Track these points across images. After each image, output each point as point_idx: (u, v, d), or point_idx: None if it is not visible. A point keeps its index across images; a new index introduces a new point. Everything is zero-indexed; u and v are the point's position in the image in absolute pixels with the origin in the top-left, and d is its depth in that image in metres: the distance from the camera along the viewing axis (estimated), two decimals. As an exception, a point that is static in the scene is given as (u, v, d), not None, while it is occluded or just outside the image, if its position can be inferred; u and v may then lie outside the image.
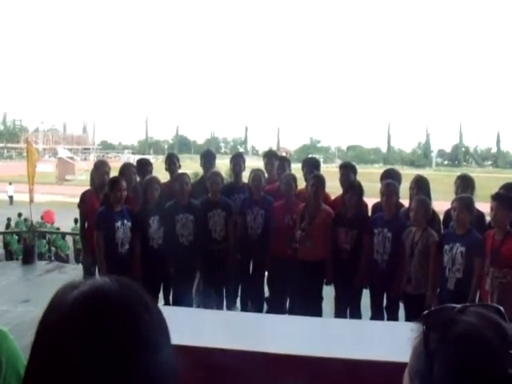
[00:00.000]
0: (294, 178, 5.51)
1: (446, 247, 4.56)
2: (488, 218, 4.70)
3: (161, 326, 0.78)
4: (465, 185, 5.13)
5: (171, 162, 6.17)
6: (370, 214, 5.43)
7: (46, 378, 0.70)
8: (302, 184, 5.68)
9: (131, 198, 5.46)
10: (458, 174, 5.56)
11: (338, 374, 2.97)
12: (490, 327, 0.72)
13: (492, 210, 4.40)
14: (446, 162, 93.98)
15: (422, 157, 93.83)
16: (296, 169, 6.09)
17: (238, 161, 6.04)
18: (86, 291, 0.74)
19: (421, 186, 5.16)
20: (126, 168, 5.93)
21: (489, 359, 0.69)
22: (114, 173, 5.84)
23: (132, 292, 0.77)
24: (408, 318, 4.60)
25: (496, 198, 4.39)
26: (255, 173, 5.66)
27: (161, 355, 0.74)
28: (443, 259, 4.56)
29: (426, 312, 0.78)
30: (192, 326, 3.54)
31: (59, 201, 28.87)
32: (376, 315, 5.00)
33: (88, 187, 6.07)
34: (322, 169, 6.20)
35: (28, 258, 9.42)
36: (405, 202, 5.21)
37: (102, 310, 0.72)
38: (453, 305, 0.78)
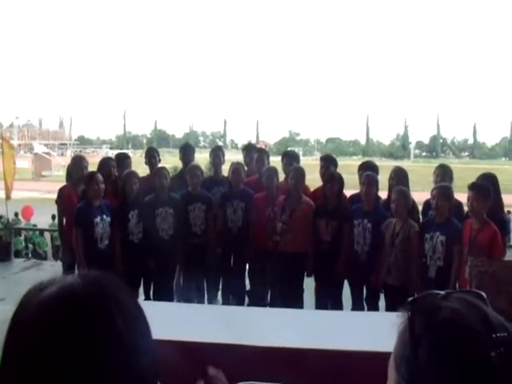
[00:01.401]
0: (276, 171, 5.52)
1: (427, 236, 4.63)
2: (466, 208, 4.77)
3: (137, 323, 0.74)
4: (444, 174, 5.21)
5: (151, 156, 6.14)
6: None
7: (17, 381, 0.68)
8: (281, 177, 5.70)
9: (110, 192, 5.40)
10: (436, 165, 5.64)
11: (321, 364, 2.98)
12: (473, 312, 0.73)
13: (469, 199, 4.46)
14: (423, 154, 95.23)
15: (400, 148, 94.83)
16: (275, 161, 6.10)
17: (217, 154, 6.03)
18: (53, 292, 0.71)
19: (400, 178, 5.24)
20: (104, 162, 5.87)
21: (472, 343, 0.70)
22: (92, 168, 5.76)
23: (103, 290, 0.73)
24: (389, 309, 4.64)
25: (473, 187, 4.46)
26: (235, 166, 5.65)
27: (137, 354, 0.71)
28: (424, 248, 4.63)
29: (410, 299, 0.79)
30: (173, 320, 3.51)
31: (36, 197, 28.43)
32: (357, 306, 5.04)
33: (65, 183, 5.99)
34: (301, 161, 6.23)
35: (4, 255, 9.30)
36: (383, 193, 5.26)
37: (70, 312, 0.69)
38: (437, 291, 0.79)
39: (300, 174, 5.33)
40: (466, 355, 0.69)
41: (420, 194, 5.70)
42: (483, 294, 0.78)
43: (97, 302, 0.71)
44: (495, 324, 0.72)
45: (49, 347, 0.67)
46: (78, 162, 5.83)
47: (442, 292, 0.78)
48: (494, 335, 0.70)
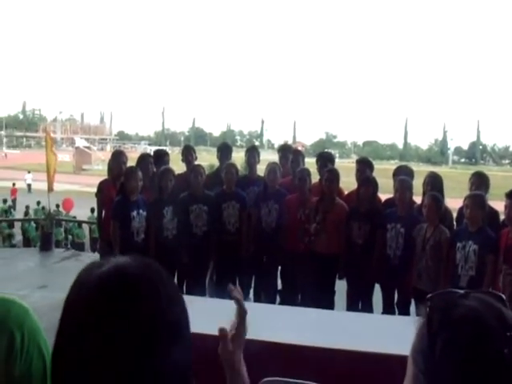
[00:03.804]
0: (309, 173, 5.52)
1: (459, 245, 4.55)
2: (503, 217, 4.69)
3: (178, 307, 0.82)
4: (479, 182, 5.10)
5: (188, 154, 6.22)
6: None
7: (72, 352, 0.75)
8: (315, 178, 5.72)
9: (148, 188, 5.53)
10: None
11: (347, 365, 3.01)
12: (490, 311, 0.77)
13: (506, 208, 4.39)
14: (462, 160, 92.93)
15: (438, 154, 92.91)
16: (311, 163, 6.11)
17: (252, 153, 6.08)
18: (110, 269, 0.79)
19: (434, 183, 5.17)
20: (143, 158, 5.99)
21: (487, 340, 0.74)
22: (130, 163, 5.91)
23: (152, 271, 0.82)
24: (419, 314, 4.60)
25: (510, 196, 4.38)
26: (271, 166, 5.68)
27: (176, 335, 0.78)
28: (456, 257, 4.56)
29: (430, 295, 0.83)
30: (205, 314, 3.59)
31: (76, 190, 29.18)
32: (387, 310, 5.01)
33: (105, 177, 6.17)
34: (337, 164, 6.20)
35: (45, 245, 9.60)
36: (418, 198, 5.20)
37: (123, 288, 0.77)
38: (456, 290, 0.83)
39: (334, 176, 5.33)
40: (480, 351, 0.73)
41: (457, 201, 5.62)
42: (502, 295, 0.82)
43: (147, 281, 0.79)
44: (510, 323, 0.75)
45: (101, 319, 0.75)
46: (117, 157, 5.97)
47: (462, 291, 0.82)
48: (508, 333, 0.74)
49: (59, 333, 0.79)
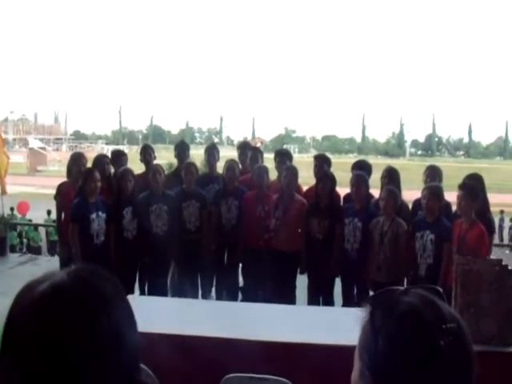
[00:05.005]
0: (266, 170, 5.58)
1: (417, 234, 4.73)
2: (454, 208, 4.87)
3: (121, 317, 0.81)
4: (433, 174, 5.31)
5: (146, 154, 6.18)
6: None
7: (11, 375, 0.75)
8: (274, 174, 5.78)
9: (105, 189, 5.46)
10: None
11: (311, 358, 3.07)
12: (427, 306, 0.82)
13: (458, 198, 4.56)
14: (419, 152, 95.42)
15: (395, 147, 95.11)
16: (270, 159, 6.16)
17: (212, 151, 6.09)
18: (43, 290, 0.78)
19: (392, 177, 5.32)
20: (99, 159, 5.90)
21: (424, 334, 0.79)
22: (88, 164, 5.82)
23: (89, 287, 0.80)
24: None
25: (463, 187, 4.55)
26: (229, 163, 5.72)
27: (119, 347, 0.78)
28: (415, 246, 4.73)
29: (372, 294, 0.89)
30: (167, 314, 3.59)
31: (31, 192, 28.40)
32: (347, 303, 5.11)
33: (62, 178, 6.04)
34: (297, 159, 6.28)
35: (0, 250, 9.32)
36: (377, 191, 5.32)
37: (57, 309, 0.76)
38: (397, 287, 0.88)
39: (293, 173, 5.39)
40: (418, 344, 0.79)
41: (415, 193, 5.78)
42: (440, 289, 0.88)
43: (82, 298, 0.78)
44: (446, 316, 0.81)
45: (38, 341, 0.74)
46: (76, 159, 5.87)
47: (402, 288, 0.88)
48: (444, 326, 0.79)
49: (1, 353, 0.78)
